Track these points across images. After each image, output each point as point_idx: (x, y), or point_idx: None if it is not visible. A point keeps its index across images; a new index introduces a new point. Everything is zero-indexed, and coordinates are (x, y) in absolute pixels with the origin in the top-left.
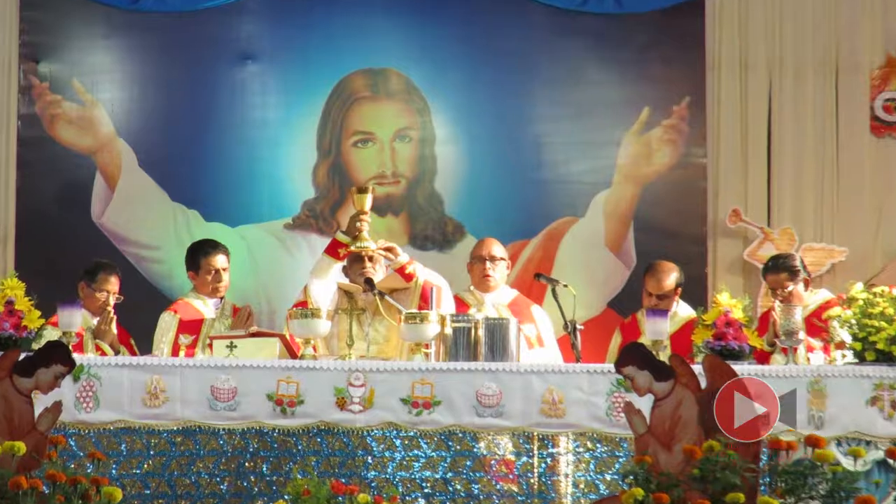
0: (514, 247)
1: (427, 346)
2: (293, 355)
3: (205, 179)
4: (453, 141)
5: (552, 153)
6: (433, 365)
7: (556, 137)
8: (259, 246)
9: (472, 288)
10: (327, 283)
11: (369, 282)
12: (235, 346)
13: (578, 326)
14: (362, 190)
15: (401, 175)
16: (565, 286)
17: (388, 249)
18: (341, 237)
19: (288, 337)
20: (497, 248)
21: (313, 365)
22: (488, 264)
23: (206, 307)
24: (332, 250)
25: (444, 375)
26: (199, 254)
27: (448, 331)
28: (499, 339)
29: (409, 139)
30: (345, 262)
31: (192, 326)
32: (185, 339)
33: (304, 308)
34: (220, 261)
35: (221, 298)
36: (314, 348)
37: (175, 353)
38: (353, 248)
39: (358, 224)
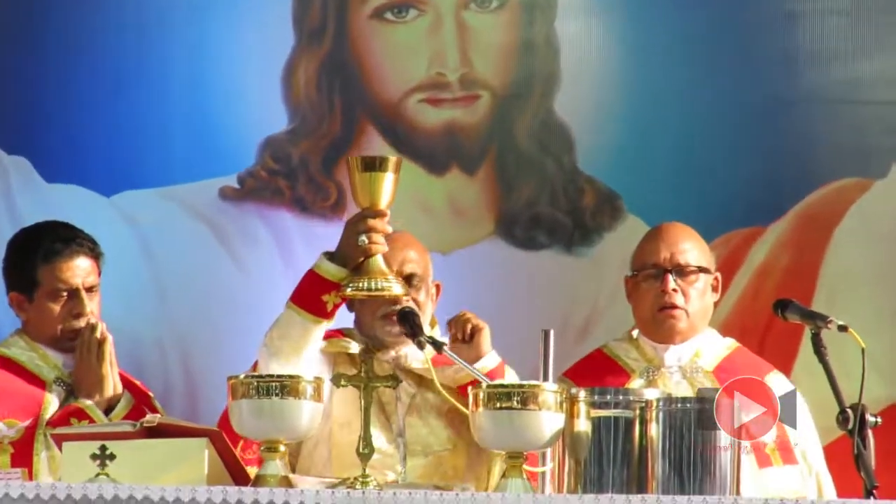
0: (731, 243)
1: (531, 460)
2: (239, 476)
3: (46, 96)
4: (598, 11)
5: (819, 38)
6: (549, 500)
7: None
8: (165, 238)
9: (635, 333)
10: (300, 367)
11: (407, 318)
12: (112, 457)
13: (871, 418)
14: (375, 163)
15: (479, 83)
16: (842, 328)
17: (463, 326)
18: (328, 269)
19: (227, 438)
20: (690, 247)
21: (285, 499)
22: (672, 280)
23: (48, 368)
24: (310, 299)
25: None
26: (33, 256)
27: (583, 426)
28: (695, 443)
29: (496, 5)
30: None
31: (21, 404)
32: (6, 430)
33: (263, 377)
34: (78, 268)
35: None
36: (289, 463)
37: None
38: (348, 290)
39: (363, 240)
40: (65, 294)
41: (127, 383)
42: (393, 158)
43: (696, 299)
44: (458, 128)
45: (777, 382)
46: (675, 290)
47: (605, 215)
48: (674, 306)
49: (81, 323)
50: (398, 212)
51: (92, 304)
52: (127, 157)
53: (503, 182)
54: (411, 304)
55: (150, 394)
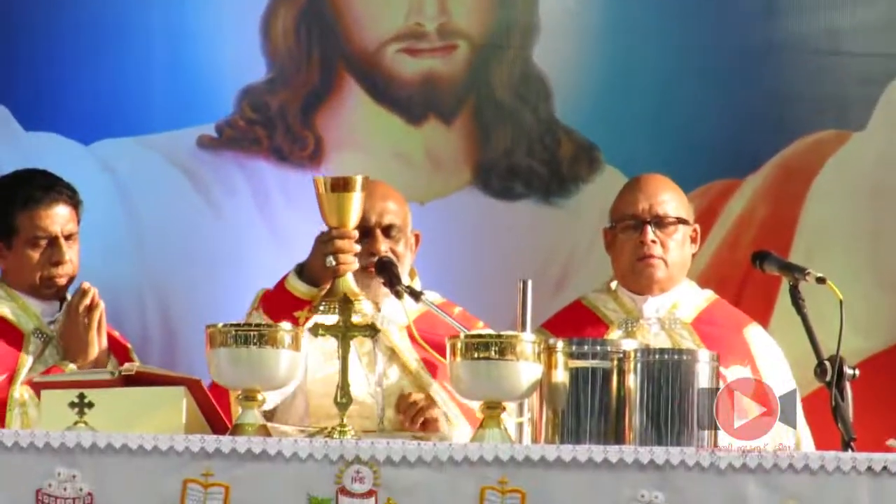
0: (709, 194)
1: (503, 408)
2: (218, 425)
3: (24, 43)
4: None
5: None
6: (526, 450)
7: None
8: (143, 186)
9: (614, 285)
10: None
11: (385, 268)
12: (91, 405)
13: (849, 370)
14: (342, 183)
15: (457, 33)
16: (821, 280)
17: (414, 415)
18: (299, 287)
19: (207, 386)
20: (669, 198)
21: (263, 447)
22: (651, 231)
23: (27, 318)
24: (283, 314)
25: (552, 475)
26: (12, 203)
27: (561, 377)
28: (672, 394)
29: None
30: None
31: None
32: None
33: (241, 325)
34: (57, 216)
35: (62, 300)
36: (265, 412)
37: None
38: (320, 311)
39: (331, 261)
40: (44, 242)
41: (108, 336)
42: (359, 178)
43: (674, 250)
44: (435, 78)
45: (756, 335)
46: (653, 241)
47: (583, 166)
48: (651, 257)
49: (60, 271)
50: (376, 162)
51: (71, 252)
52: (105, 105)
53: (481, 132)
54: (389, 255)
55: (129, 346)
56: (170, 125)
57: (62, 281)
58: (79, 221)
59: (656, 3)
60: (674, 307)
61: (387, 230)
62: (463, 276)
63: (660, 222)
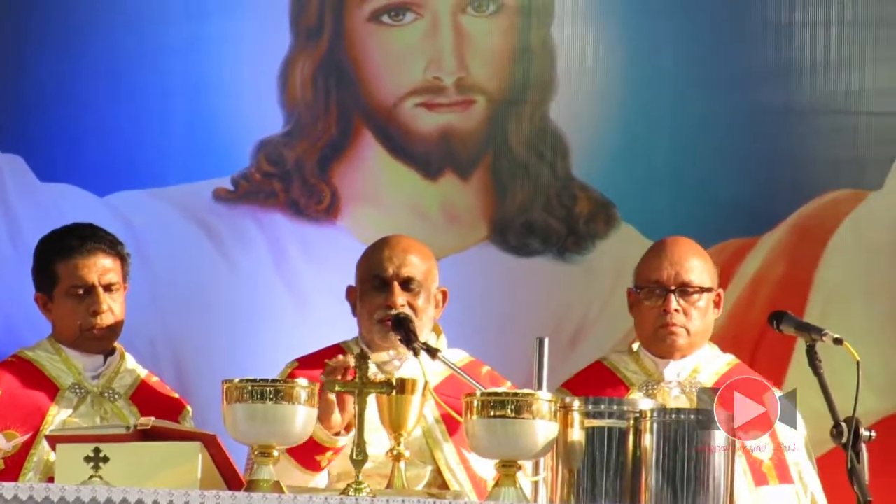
0: (725, 253)
1: (519, 467)
2: (233, 481)
3: (41, 94)
4: (594, 18)
5: (814, 49)
6: None
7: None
8: (158, 239)
9: (636, 346)
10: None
11: (402, 324)
12: (106, 460)
13: (865, 432)
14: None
15: (475, 88)
16: (838, 342)
17: None
18: (321, 436)
19: (221, 443)
20: (694, 266)
21: None
22: (675, 300)
23: (67, 372)
24: (305, 457)
25: None
26: (53, 254)
27: (577, 436)
28: (688, 455)
29: (493, 9)
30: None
31: (25, 415)
32: (4, 443)
33: (257, 381)
34: (94, 266)
35: (109, 352)
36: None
37: None
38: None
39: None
40: (81, 291)
41: (158, 395)
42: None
43: (697, 318)
44: (453, 132)
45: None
46: (676, 309)
47: (599, 223)
48: (673, 325)
49: (99, 321)
50: (392, 216)
51: (113, 304)
52: (121, 157)
53: (497, 187)
54: (406, 310)
55: (188, 408)
56: (185, 178)
57: (101, 332)
58: (126, 274)
59: (673, 62)
60: (695, 371)
61: (405, 283)
62: (477, 331)
63: (684, 291)
